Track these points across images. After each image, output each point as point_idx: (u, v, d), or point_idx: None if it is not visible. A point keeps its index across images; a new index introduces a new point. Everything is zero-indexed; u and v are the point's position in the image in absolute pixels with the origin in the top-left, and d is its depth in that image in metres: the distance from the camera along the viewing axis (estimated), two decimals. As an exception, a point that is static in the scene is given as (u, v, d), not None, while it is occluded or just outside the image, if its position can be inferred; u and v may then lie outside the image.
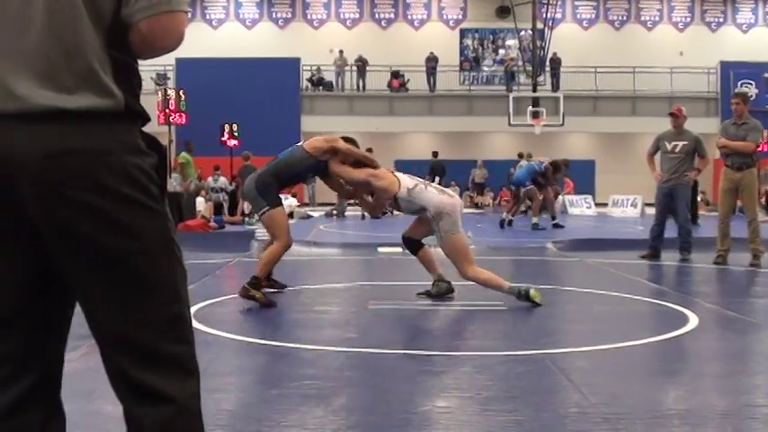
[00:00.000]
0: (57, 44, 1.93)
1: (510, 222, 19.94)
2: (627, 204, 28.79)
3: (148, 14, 1.98)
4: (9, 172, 1.89)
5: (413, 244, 8.41)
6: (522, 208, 21.14)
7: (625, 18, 39.77)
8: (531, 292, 7.70)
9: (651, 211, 27.41)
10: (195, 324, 6.66)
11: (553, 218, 20.03)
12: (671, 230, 12.32)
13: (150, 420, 2.10)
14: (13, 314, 2.08)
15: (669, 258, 12.02)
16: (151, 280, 2.06)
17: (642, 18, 39.72)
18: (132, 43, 2.02)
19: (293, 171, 8.10)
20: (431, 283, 8.34)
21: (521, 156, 28.23)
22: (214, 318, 7.09)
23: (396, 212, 26.99)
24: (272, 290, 8.38)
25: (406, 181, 8.05)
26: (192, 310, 7.27)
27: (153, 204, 2.08)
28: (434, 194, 8.01)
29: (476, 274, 7.99)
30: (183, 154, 22.83)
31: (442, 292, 8.29)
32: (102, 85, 1.96)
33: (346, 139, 8.21)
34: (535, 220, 19.33)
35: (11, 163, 1.89)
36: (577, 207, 28.77)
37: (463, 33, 39.80)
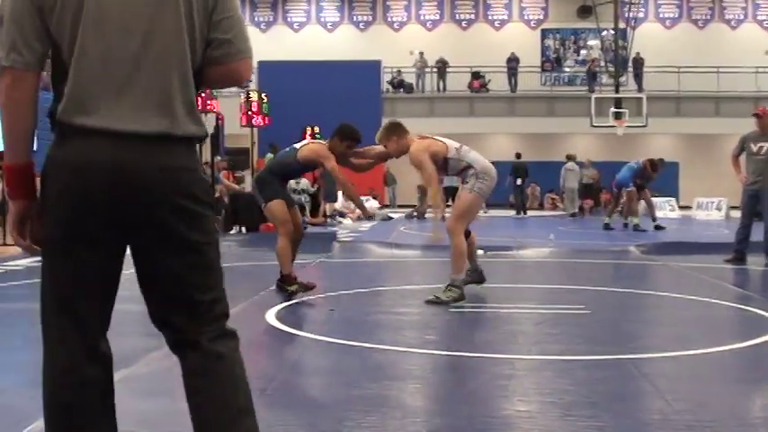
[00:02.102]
0: (168, 81, 2.45)
1: (608, 226, 19.77)
2: (711, 207, 28.27)
3: (240, 58, 2.59)
4: (127, 180, 2.42)
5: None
6: (619, 208, 20.89)
7: (709, 17, 39.07)
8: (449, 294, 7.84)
9: (736, 213, 27.01)
10: (277, 324, 6.77)
11: (654, 219, 19.74)
12: (757, 234, 12.07)
13: (228, 349, 2.68)
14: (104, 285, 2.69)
15: (755, 262, 11.76)
16: (214, 264, 2.64)
17: (726, 17, 38.98)
18: (213, 78, 2.63)
19: (287, 169, 8.96)
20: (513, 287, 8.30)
21: (569, 158, 27.96)
22: (296, 318, 7.17)
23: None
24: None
25: (451, 143, 8.54)
26: (274, 310, 7.41)
27: (211, 210, 2.65)
28: (479, 156, 8.56)
29: (455, 234, 8.21)
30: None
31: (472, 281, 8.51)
32: (197, 116, 2.53)
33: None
34: (636, 220, 19.11)
35: (131, 173, 2.42)
36: (661, 210, 28.33)
37: (544, 34, 39.53)
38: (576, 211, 27.71)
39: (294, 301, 8.01)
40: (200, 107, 11.59)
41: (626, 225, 19.80)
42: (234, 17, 2.57)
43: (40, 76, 2.46)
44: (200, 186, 2.56)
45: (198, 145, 2.60)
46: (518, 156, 29.60)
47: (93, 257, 2.54)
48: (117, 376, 4.88)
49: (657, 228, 19.02)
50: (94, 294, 2.62)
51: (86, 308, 2.59)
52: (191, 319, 2.66)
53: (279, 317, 7.13)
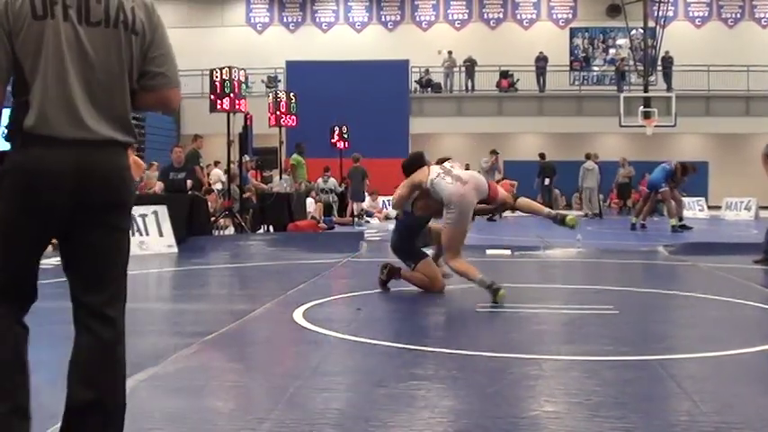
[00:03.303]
0: (110, 100, 3.11)
1: (643, 226, 19.68)
2: (740, 207, 28.05)
3: (170, 87, 3.25)
4: (83, 177, 3.01)
5: None
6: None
7: (739, 15, 38.76)
8: (501, 291, 7.95)
9: (766, 214, 26.80)
10: (304, 323, 6.80)
11: (680, 219, 19.63)
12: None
13: (109, 334, 3.22)
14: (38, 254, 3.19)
15: (786, 263, 11.68)
16: (127, 248, 3.27)
17: (756, 15, 38.64)
18: (146, 103, 3.27)
19: None
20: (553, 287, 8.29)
21: (588, 156, 27.71)
22: (323, 317, 7.19)
23: (504, 215, 26.90)
24: None
25: (432, 173, 8.56)
26: (301, 309, 7.43)
27: (131, 204, 3.22)
28: (447, 184, 8.38)
29: (455, 265, 8.34)
30: (295, 156, 23.13)
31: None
32: (130, 128, 3.18)
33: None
34: (674, 222, 19.02)
35: (83, 172, 3.00)
36: (690, 210, 28.15)
37: (573, 33, 39.37)
38: (596, 212, 27.18)
39: (322, 301, 8.02)
40: (228, 106, 11.72)
41: (640, 226, 19.69)
42: (166, 54, 3.23)
43: (4, 88, 3.08)
44: (129, 182, 3.19)
45: (128, 149, 3.21)
46: (542, 156, 29.45)
47: (36, 238, 3.11)
48: (144, 375, 4.95)
49: (683, 228, 18.91)
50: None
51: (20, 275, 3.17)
52: (98, 295, 3.18)
53: (306, 316, 7.15)
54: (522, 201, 8.91)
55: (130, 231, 3.37)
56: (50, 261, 12.28)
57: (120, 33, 3.11)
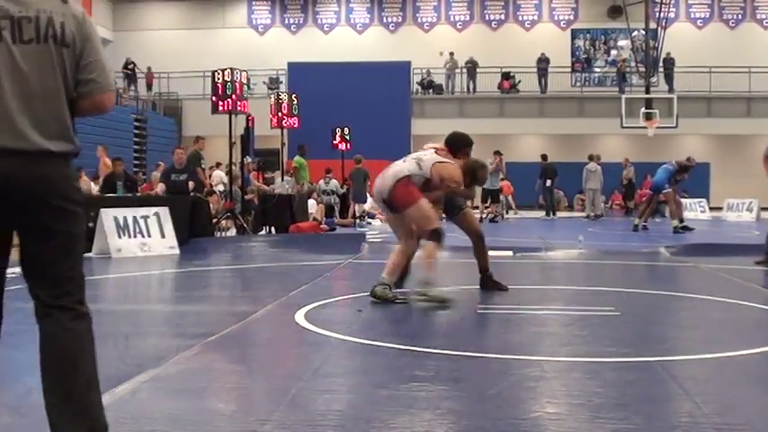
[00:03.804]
0: (48, 111, 3.32)
1: (644, 227, 19.69)
2: (742, 208, 28.02)
3: (102, 92, 3.45)
4: (21, 185, 3.22)
5: None
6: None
7: (740, 17, 38.77)
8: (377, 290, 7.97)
9: (767, 215, 26.79)
10: (306, 325, 6.80)
11: (681, 220, 19.63)
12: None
13: (73, 323, 3.34)
14: None
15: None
16: (78, 248, 3.42)
17: (758, 16, 38.66)
18: (83, 108, 3.45)
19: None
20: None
21: (591, 158, 27.70)
22: (325, 319, 7.19)
23: (506, 216, 26.88)
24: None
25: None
26: (303, 311, 7.43)
27: (81, 208, 3.39)
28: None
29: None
30: (297, 158, 23.13)
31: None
32: (70, 137, 3.37)
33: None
34: (675, 223, 19.01)
35: (20, 179, 3.23)
36: (691, 211, 28.14)
37: (574, 34, 39.40)
38: (598, 213, 27.24)
39: (323, 302, 8.03)
40: (230, 108, 11.69)
41: (644, 227, 19.77)
42: (96, 61, 3.43)
43: None
44: (73, 189, 3.38)
45: (72, 158, 3.40)
46: (544, 157, 29.43)
47: None
48: (145, 376, 4.95)
49: (685, 229, 18.91)
50: None
51: None
52: (51, 291, 3.33)
53: (308, 317, 7.15)
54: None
55: (83, 234, 3.50)
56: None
57: (51, 48, 3.35)
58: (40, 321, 3.36)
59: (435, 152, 8.49)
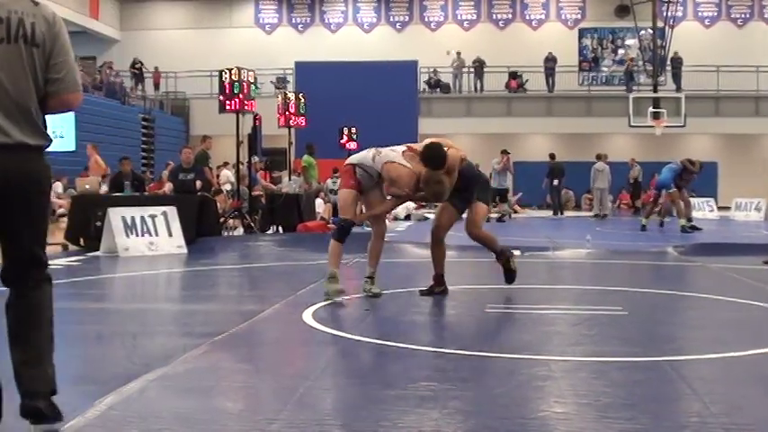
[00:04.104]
0: (22, 108, 3.63)
1: (643, 227, 19.66)
2: (750, 208, 27.93)
3: (69, 91, 3.74)
4: (5, 176, 3.60)
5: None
6: (657, 209, 20.82)
7: (748, 15, 38.70)
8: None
9: (776, 214, 26.73)
10: (313, 324, 6.80)
11: (689, 219, 19.59)
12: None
13: (43, 294, 3.85)
14: None
15: (796, 264, 11.64)
16: (45, 226, 3.87)
17: (766, 15, 38.60)
18: (51, 106, 3.74)
19: None
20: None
21: (599, 157, 27.65)
22: (332, 318, 7.20)
23: (513, 216, 26.86)
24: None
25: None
26: (311, 310, 7.44)
27: (48, 193, 3.86)
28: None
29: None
30: (306, 157, 23.12)
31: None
32: (42, 132, 3.71)
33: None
34: (683, 222, 18.96)
35: (8, 172, 3.60)
36: (699, 210, 28.08)
37: (582, 33, 39.36)
38: (606, 212, 27.22)
39: (331, 301, 8.03)
40: (237, 107, 11.74)
41: (662, 224, 19.78)
42: (65, 61, 3.69)
43: None
44: (46, 179, 3.77)
45: (45, 150, 3.75)
46: (552, 156, 29.36)
47: None
48: (153, 375, 4.96)
49: (693, 228, 18.87)
50: None
51: None
52: (22, 261, 3.76)
53: (315, 316, 7.16)
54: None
55: (50, 211, 4.05)
56: (59, 262, 12.30)
57: (21, 48, 3.58)
58: (10, 285, 3.80)
59: (404, 152, 8.28)
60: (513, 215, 25.36)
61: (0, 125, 3.56)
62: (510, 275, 8.80)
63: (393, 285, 8.90)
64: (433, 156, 7.92)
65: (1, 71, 3.56)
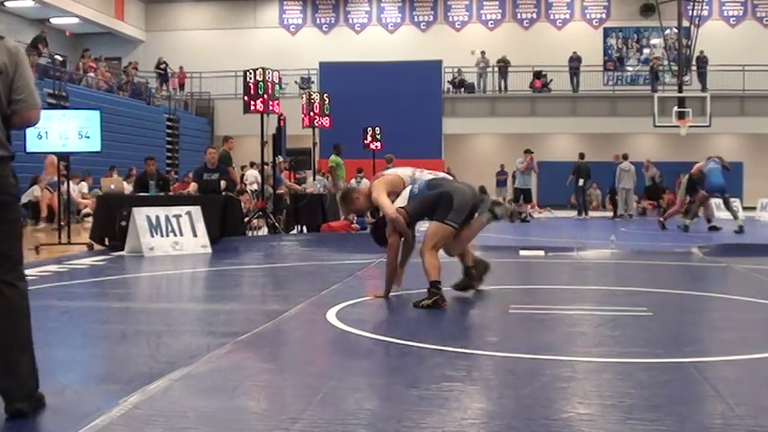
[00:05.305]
0: None
1: (662, 223, 19.59)
2: (776, 209, 27.73)
3: (28, 109, 4.28)
4: None
5: None
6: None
7: (775, 14, 38.44)
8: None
9: (803, 215, 26.52)
10: (337, 324, 6.80)
11: (708, 220, 19.47)
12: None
13: (18, 294, 4.20)
14: None
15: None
16: (18, 230, 4.32)
17: (791, 15, 38.33)
18: (14, 122, 4.28)
19: None
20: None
21: (624, 157, 27.52)
22: (356, 318, 7.20)
23: (536, 216, 26.75)
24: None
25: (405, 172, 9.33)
26: (334, 310, 7.44)
27: (18, 199, 4.33)
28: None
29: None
30: (333, 157, 23.16)
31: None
32: (6, 145, 4.22)
33: None
34: (688, 221, 18.93)
35: None
36: (723, 211, 27.86)
37: (607, 32, 39.21)
38: (631, 213, 27.13)
39: (355, 301, 8.03)
40: (262, 108, 11.86)
41: (661, 223, 19.80)
42: (24, 84, 4.24)
43: None
44: (11, 186, 4.20)
45: (10, 161, 4.20)
46: (581, 156, 29.22)
47: None
48: (177, 374, 4.98)
49: (712, 229, 18.84)
50: None
51: None
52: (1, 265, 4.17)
53: (339, 316, 7.17)
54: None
55: (20, 219, 4.42)
56: (84, 261, 12.38)
57: None
58: None
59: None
60: (528, 218, 25.20)
61: None
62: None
63: (417, 285, 8.89)
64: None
65: None
